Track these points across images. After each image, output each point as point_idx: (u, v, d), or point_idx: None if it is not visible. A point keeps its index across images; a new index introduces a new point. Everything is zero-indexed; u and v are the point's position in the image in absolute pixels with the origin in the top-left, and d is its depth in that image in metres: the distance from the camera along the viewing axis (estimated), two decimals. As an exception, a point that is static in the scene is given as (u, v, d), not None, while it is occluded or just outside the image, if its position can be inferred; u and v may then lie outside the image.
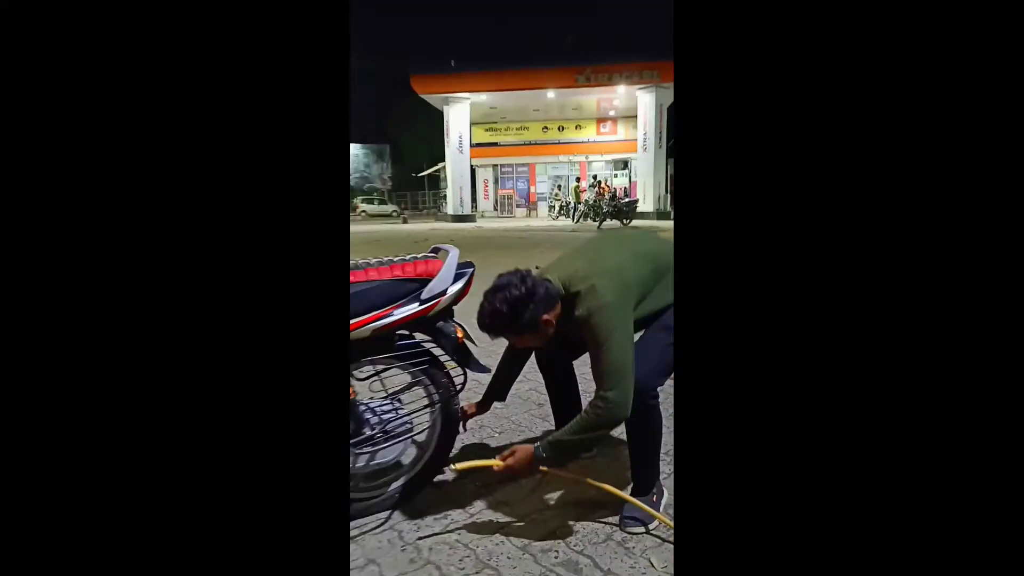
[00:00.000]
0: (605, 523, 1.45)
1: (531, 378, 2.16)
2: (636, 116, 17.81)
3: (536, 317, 1.38)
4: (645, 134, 17.22)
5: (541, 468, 1.40)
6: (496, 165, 22.39)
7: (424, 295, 1.46)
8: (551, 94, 18.06)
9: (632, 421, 1.37)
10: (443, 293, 1.47)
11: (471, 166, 19.64)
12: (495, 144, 21.61)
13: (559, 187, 20.51)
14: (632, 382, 1.32)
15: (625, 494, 1.44)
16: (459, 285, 1.51)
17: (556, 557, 1.32)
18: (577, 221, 15.77)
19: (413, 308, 1.44)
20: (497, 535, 1.42)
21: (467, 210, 18.70)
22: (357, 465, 1.47)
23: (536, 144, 21.44)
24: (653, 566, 1.28)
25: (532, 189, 22.34)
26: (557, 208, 18.60)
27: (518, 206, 22.26)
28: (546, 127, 21.26)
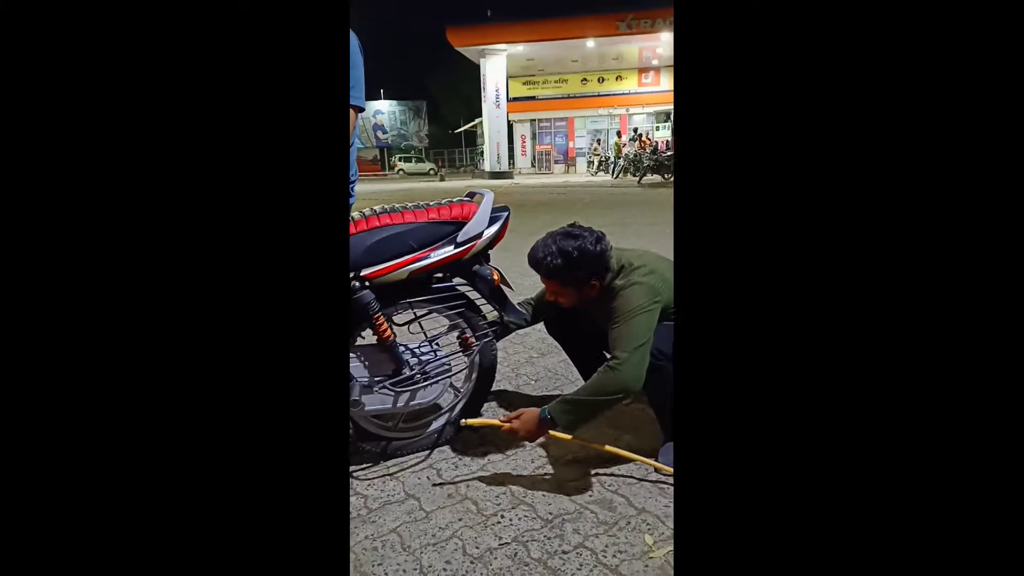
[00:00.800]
0: (640, 465, 1.46)
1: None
2: (680, 65, 17.01)
3: (588, 277, 1.40)
4: (689, 84, 16.46)
5: (552, 433, 1.38)
6: (534, 120, 21.93)
7: (460, 238, 1.46)
8: (591, 43, 17.39)
9: (646, 384, 1.35)
10: (479, 236, 1.47)
11: (508, 121, 19.32)
12: (533, 98, 21.12)
13: (598, 141, 19.99)
14: (647, 359, 1.31)
15: (641, 457, 1.42)
16: (494, 228, 1.51)
17: (591, 495, 1.35)
18: (617, 176, 15.42)
19: (449, 251, 1.45)
20: (533, 474, 1.45)
21: (504, 167, 18.51)
22: (397, 405, 1.52)
23: (575, 97, 20.84)
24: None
25: (571, 144, 21.85)
26: (596, 163, 18.19)
27: (556, 162, 21.86)
28: (585, 79, 20.59)
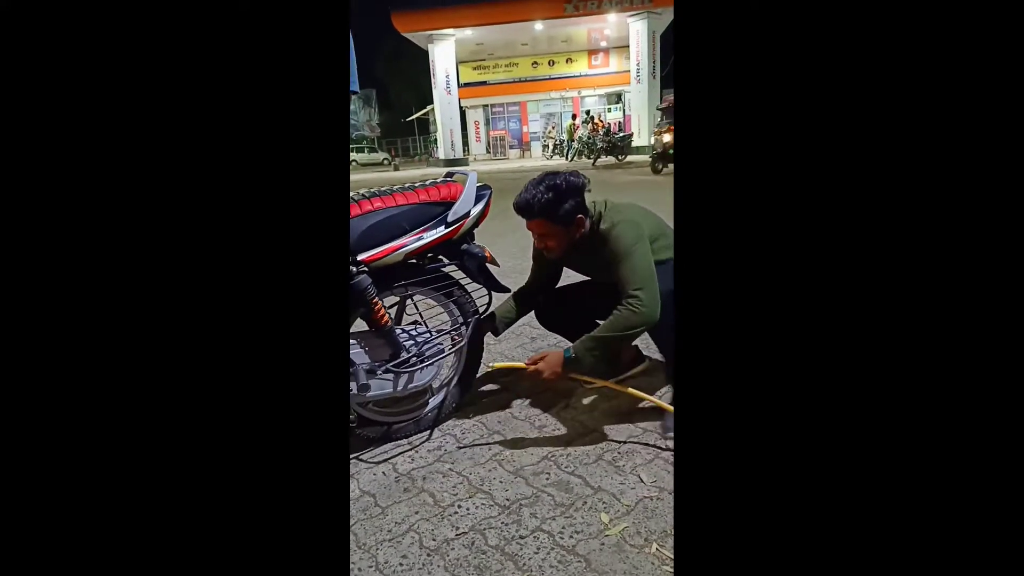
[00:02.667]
0: (596, 444, 1.47)
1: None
2: (628, 46, 17.12)
3: (574, 212, 1.45)
4: (638, 64, 16.60)
5: (571, 376, 1.48)
6: (486, 105, 21.74)
7: (450, 217, 1.47)
8: (539, 26, 17.29)
9: (659, 332, 1.45)
10: (467, 215, 1.50)
11: (460, 107, 19.08)
12: (484, 83, 20.91)
13: (553, 125, 19.99)
14: (657, 289, 1.36)
15: (657, 400, 1.50)
16: (480, 206, 1.53)
17: (548, 478, 1.35)
18: (571, 159, 15.47)
19: (441, 231, 1.46)
20: (490, 461, 1.44)
21: (459, 154, 18.30)
22: (397, 389, 1.51)
23: (526, 81, 20.73)
24: (642, 481, 1.30)
25: (525, 129, 21.78)
26: (551, 147, 18.20)
27: (511, 147, 21.77)
28: (536, 62, 20.49)
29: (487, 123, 22.23)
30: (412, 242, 1.41)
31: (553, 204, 1.43)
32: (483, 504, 1.27)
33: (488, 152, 22.11)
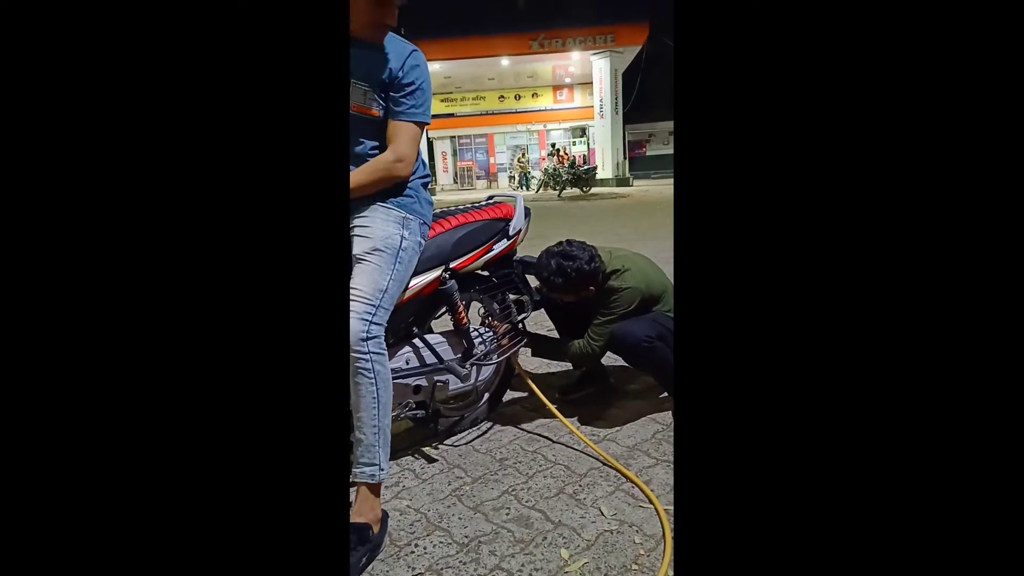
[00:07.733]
0: (557, 478, 1.45)
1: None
2: (591, 82, 17.66)
3: (584, 287, 1.73)
4: (601, 100, 17.12)
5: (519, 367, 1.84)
6: (454, 137, 22.01)
7: (510, 231, 1.72)
8: (505, 62, 17.72)
9: (639, 362, 1.74)
10: (520, 230, 1.75)
11: (428, 138, 19.24)
12: (452, 115, 21.19)
13: (522, 156, 20.33)
14: (605, 350, 1.73)
15: (552, 406, 1.70)
16: (526, 223, 1.79)
17: (508, 514, 1.32)
18: (538, 190, 15.72)
19: (505, 243, 1.71)
20: (450, 497, 1.40)
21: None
22: (467, 383, 1.67)
23: (493, 114, 21.11)
24: (603, 514, 1.29)
25: (492, 160, 22.09)
26: (517, 178, 18.47)
27: (478, 177, 22.00)
28: (502, 96, 20.92)
29: (455, 154, 22.46)
30: (488, 251, 1.65)
31: (563, 287, 1.71)
32: (441, 542, 1.23)
33: (455, 182, 22.27)
